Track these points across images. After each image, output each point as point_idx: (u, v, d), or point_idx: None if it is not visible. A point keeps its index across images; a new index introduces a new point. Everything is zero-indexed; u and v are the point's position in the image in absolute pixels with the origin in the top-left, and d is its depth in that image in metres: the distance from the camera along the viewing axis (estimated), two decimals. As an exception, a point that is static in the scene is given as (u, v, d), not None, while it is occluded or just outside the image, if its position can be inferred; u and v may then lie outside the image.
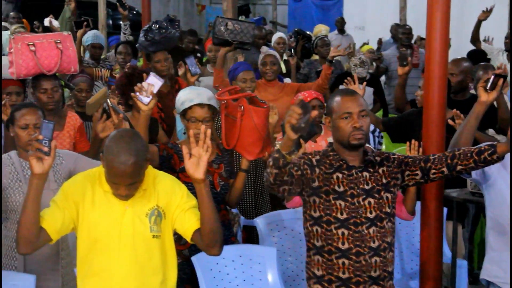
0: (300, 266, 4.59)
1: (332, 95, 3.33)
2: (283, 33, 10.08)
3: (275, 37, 8.98)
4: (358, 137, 3.20)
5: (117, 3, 8.07)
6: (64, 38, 4.97)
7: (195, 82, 5.75)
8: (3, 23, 8.24)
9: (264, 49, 6.15)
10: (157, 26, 6.08)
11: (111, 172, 2.91)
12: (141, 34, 6.16)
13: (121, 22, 7.95)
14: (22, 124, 3.83)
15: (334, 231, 3.20)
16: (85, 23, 7.10)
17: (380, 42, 11.82)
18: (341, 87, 7.41)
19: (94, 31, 8.12)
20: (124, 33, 7.81)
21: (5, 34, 8.41)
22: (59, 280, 3.81)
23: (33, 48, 4.77)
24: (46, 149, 2.84)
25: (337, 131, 3.23)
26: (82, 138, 4.79)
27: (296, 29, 9.20)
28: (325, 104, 5.32)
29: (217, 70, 5.97)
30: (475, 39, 8.91)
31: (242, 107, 3.92)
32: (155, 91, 3.75)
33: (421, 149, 4.13)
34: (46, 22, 8.94)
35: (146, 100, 3.70)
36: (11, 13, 11.15)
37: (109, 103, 3.87)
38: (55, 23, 8.72)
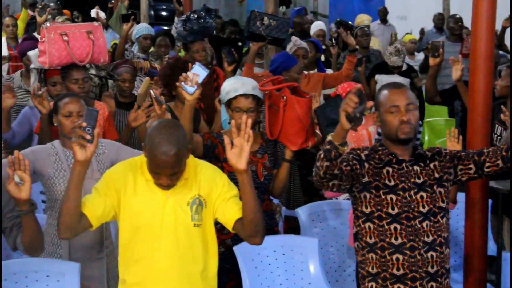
0: (341, 257, 4.58)
1: (379, 89, 3.27)
2: (323, 23, 10.01)
3: (315, 28, 8.90)
4: (406, 131, 3.13)
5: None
6: (95, 28, 4.98)
7: (237, 71, 5.76)
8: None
9: (298, 41, 6.10)
10: (195, 16, 6.10)
11: (153, 162, 2.92)
12: (179, 24, 6.18)
13: (163, 14, 7.98)
14: (65, 112, 3.86)
15: (386, 227, 3.14)
16: (132, 16, 7.15)
17: (422, 32, 11.66)
18: (377, 77, 7.36)
19: (146, 24, 8.17)
20: (176, 28, 7.86)
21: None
22: (103, 268, 3.84)
23: (66, 38, 4.78)
24: (89, 136, 2.85)
25: (385, 125, 3.17)
26: (111, 128, 4.82)
27: (338, 19, 9.12)
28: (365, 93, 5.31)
29: (248, 64, 5.94)
30: (499, 44, 8.79)
31: (285, 97, 3.92)
32: (200, 81, 3.75)
33: (461, 137, 4.08)
34: (93, 13, 9.03)
35: (191, 90, 3.71)
36: (51, 4, 11.26)
37: (152, 94, 3.89)
38: (102, 14, 8.80)
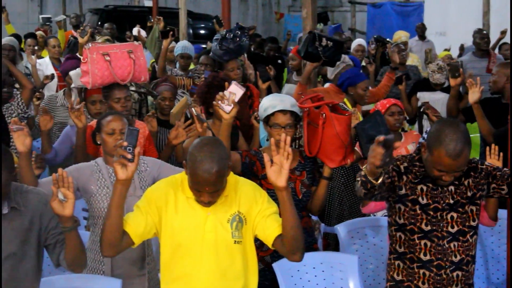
0: (381, 275, 4.54)
1: (439, 134, 3.11)
2: (363, 39, 10.01)
3: (354, 44, 8.92)
4: (443, 184, 3.18)
5: (214, 20, 8.20)
6: (135, 48, 5.05)
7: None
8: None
9: (346, 58, 6.11)
10: (231, 35, 6.15)
11: (194, 179, 2.94)
12: (215, 44, 6.22)
13: (201, 32, 8.05)
14: (108, 130, 3.92)
15: (417, 241, 3.17)
16: (171, 32, 7.23)
17: (462, 48, 11.57)
18: (419, 94, 7.30)
19: (184, 41, 8.25)
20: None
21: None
22: (145, 284, 3.87)
23: (108, 58, 4.85)
24: (129, 156, 2.88)
25: (429, 167, 3.18)
26: (151, 146, 4.86)
27: (375, 36, 9.11)
28: (404, 110, 5.28)
29: (303, 85, 5.94)
30: None
31: (324, 114, 3.92)
32: (236, 99, 3.78)
33: (501, 154, 4.05)
34: (135, 31, 9.14)
35: (227, 108, 3.73)
36: (105, 24, 11.41)
37: (194, 112, 3.92)
38: (143, 33, 8.89)
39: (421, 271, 3.17)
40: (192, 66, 7.85)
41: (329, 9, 22.40)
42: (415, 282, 3.19)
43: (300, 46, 6.13)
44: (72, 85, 5.68)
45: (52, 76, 7.74)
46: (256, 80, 6.09)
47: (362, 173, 3.04)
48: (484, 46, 8.82)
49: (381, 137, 2.90)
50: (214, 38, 6.37)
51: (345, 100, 5.66)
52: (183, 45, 7.92)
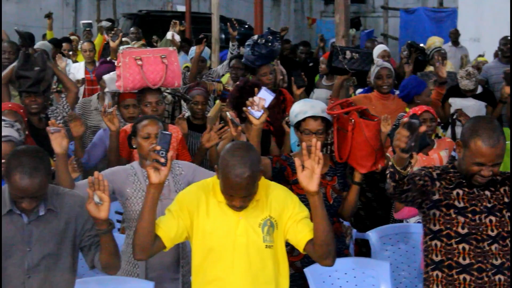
0: (413, 281, 4.53)
1: (473, 127, 3.12)
2: (389, 45, 9.94)
3: (378, 50, 8.82)
4: (481, 182, 3.13)
5: (228, 24, 8.20)
6: (169, 53, 5.07)
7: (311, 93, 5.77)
8: (123, 39, 8.53)
9: (379, 62, 6.10)
10: (263, 40, 6.17)
11: (226, 184, 2.96)
12: (247, 49, 6.25)
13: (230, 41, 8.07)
14: (144, 134, 3.96)
15: (455, 245, 3.13)
16: (205, 39, 7.27)
17: (496, 54, 11.46)
18: (451, 100, 7.25)
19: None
20: (232, 53, 7.93)
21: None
22: None
23: (140, 62, 4.88)
24: (162, 160, 2.91)
25: (465, 165, 3.15)
26: (184, 150, 4.89)
27: (409, 42, 9.05)
28: (437, 116, 5.26)
29: (333, 99, 5.92)
30: None
31: (353, 120, 3.92)
32: (266, 105, 3.80)
33: None
34: (169, 35, 9.21)
35: (257, 114, 3.75)
36: (131, 29, 11.53)
37: (229, 116, 3.95)
38: (177, 37, 8.97)
39: (462, 276, 3.13)
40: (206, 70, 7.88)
41: (362, 14, 22.35)
42: None
43: (327, 61, 6.14)
44: (106, 89, 5.75)
45: (83, 81, 7.83)
46: (290, 86, 6.10)
47: (390, 163, 3.03)
48: (507, 52, 8.74)
49: (405, 119, 2.90)
50: (246, 43, 6.39)
51: (407, 109, 5.64)
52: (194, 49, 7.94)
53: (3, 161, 3.62)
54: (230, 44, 8.02)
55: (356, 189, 3.99)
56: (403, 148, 2.86)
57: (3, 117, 3.91)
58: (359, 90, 7.04)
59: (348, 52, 5.86)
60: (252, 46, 6.18)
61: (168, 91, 5.59)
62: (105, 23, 11.86)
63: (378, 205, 5.43)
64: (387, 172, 3.00)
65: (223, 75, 7.92)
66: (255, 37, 6.41)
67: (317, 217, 2.98)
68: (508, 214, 3.18)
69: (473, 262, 3.12)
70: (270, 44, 6.17)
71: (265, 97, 3.78)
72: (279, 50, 6.42)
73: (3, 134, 3.76)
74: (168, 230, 3.04)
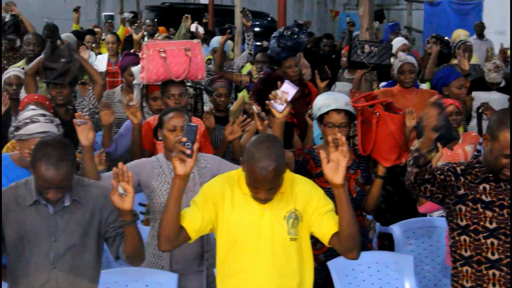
0: (437, 276, 4.51)
1: (501, 119, 3.09)
2: (410, 38, 9.83)
3: (398, 43, 8.71)
4: (508, 175, 3.08)
5: (240, 13, 8.15)
6: (193, 45, 5.07)
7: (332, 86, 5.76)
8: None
9: (402, 56, 6.06)
10: (289, 32, 6.15)
11: (252, 176, 2.96)
12: (273, 41, 6.23)
13: (256, 30, 8.04)
14: (170, 127, 3.96)
15: (483, 241, 3.10)
16: (229, 30, 7.26)
17: (521, 46, 11.34)
18: (474, 93, 7.18)
19: (218, 37, 8.26)
20: (248, 43, 7.90)
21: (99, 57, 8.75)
22: (203, 281, 3.91)
23: (163, 54, 4.89)
24: (188, 151, 2.92)
25: (492, 158, 3.10)
26: (207, 143, 4.89)
27: (433, 34, 8.98)
28: (462, 110, 5.21)
29: (357, 92, 5.90)
30: None
31: (377, 113, 3.90)
32: (289, 98, 3.78)
33: None
34: (193, 27, 9.23)
35: (280, 107, 3.74)
36: (147, 21, 11.60)
37: (255, 109, 3.94)
38: (201, 29, 8.97)
39: (491, 271, 3.10)
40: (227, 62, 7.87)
41: (385, 7, 22.21)
42: (484, 285, 3.11)
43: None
44: (134, 81, 5.78)
45: (106, 73, 7.87)
46: (315, 79, 6.07)
47: (415, 147, 3.01)
48: None
49: (432, 99, 2.88)
50: (272, 35, 6.38)
51: None
52: (217, 40, 7.92)
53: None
54: (246, 34, 7.98)
55: (379, 182, 3.97)
56: (435, 125, 2.83)
57: (43, 112, 3.91)
58: (383, 84, 6.99)
59: (366, 46, 5.82)
60: (277, 38, 6.17)
61: (189, 84, 5.60)
62: (127, 15, 11.92)
63: (399, 199, 5.40)
64: (410, 158, 2.98)
65: (243, 66, 7.91)
66: (281, 29, 6.39)
67: (342, 210, 2.98)
68: None
69: (502, 257, 3.09)
70: (296, 36, 6.15)
71: (288, 90, 3.77)
72: (305, 42, 6.39)
73: (43, 129, 3.78)
74: (193, 221, 3.04)
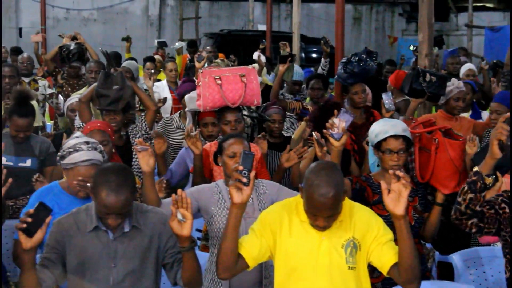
0: (499, 307, 4.40)
1: None
2: (473, 64, 9.71)
3: (464, 69, 8.64)
4: None
5: (321, 41, 8.22)
6: (248, 71, 5.10)
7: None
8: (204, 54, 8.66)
9: (458, 83, 5.99)
10: (357, 59, 6.15)
11: (310, 203, 2.95)
12: (340, 67, 6.24)
13: (313, 56, 8.08)
14: (229, 153, 3.98)
15: None
16: (290, 58, 7.32)
17: None
18: None
19: (296, 67, 8.32)
20: (323, 69, 7.94)
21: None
22: None
23: (219, 81, 4.93)
24: (245, 180, 2.93)
25: None
26: (263, 169, 4.89)
27: (494, 61, 8.87)
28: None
29: (407, 121, 5.85)
30: None
31: (436, 140, 3.86)
32: (346, 127, 3.78)
33: None
34: (255, 56, 9.31)
35: (337, 136, 3.74)
36: (207, 48, 11.74)
37: (314, 136, 3.94)
38: (263, 58, 9.04)
39: None
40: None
41: (445, 32, 21.99)
42: None
43: (403, 82, 6.05)
44: (186, 109, 5.85)
45: (165, 100, 7.99)
46: (379, 105, 6.03)
47: (474, 169, 2.94)
48: None
49: (507, 114, 2.81)
50: (340, 61, 6.39)
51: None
52: (295, 71, 7.96)
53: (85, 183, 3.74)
54: (322, 60, 8.03)
55: (438, 210, 3.92)
56: (503, 140, 2.77)
57: (87, 139, 3.98)
58: None
59: (428, 75, 5.78)
60: (345, 63, 6.18)
61: (244, 113, 5.63)
62: (178, 45, 12.09)
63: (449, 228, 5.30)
64: (465, 185, 2.92)
65: None
66: (350, 55, 6.40)
67: (403, 241, 2.95)
68: None
69: None
70: (363, 63, 6.14)
71: (345, 118, 3.77)
72: (373, 70, 6.36)
73: (86, 157, 3.83)
74: (251, 249, 3.05)
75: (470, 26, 19.10)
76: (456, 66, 9.36)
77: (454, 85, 5.96)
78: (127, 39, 11.88)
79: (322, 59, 8.06)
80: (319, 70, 8.23)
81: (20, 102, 5.14)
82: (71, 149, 3.86)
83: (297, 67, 8.14)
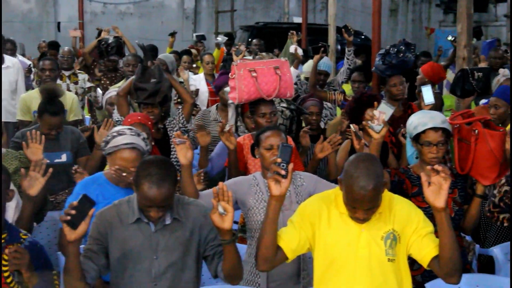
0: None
1: None
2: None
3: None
4: None
5: (343, 29, 8.15)
6: (282, 64, 5.11)
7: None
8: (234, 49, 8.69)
9: (501, 71, 5.92)
10: (395, 50, 6.12)
11: (350, 196, 2.95)
12: (378, 58, 6.22)
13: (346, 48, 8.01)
14: (267, 145, 4.00)
15: None
16: (322, 48, 7.28)
17: None
18: None
19: (325, 59, 8.28)
20: (348, 58, 7.89)
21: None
22: None
23: (254, 74, 4.93)
24: (283, 172, 2.94)
25: None
26: (297, 160, 4.89)
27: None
28: None
29: (452, 110, 5.80)
30: None
31: (476, 131, 3.83)
32: (386, 119, 3.76)
33: None
34: (292, 49, 9.33)
35: (377, 128, 3.73)
36: (254, 41, 11.69)
37: (352, 128, 3.95)
38: (300, 51, 9.05)
39: None
40: (328, 80, 7.84)
41: (483, 23, 21.70)
42: None
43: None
44: (229, 101, 5.88)
45: (196, 92, 8.02)
46: (416, 98, 6.00)
47: None
48: None
49: None
50: (378, 53, 6.36)
51: None
52: (323, 62, 7.92)
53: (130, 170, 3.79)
54: (346, 49, 7.96)
55: (478, 202, 3.88)
56: None
57: (129, 126, 4.07)
58: (483, 101, 6.85)
59: (475, 73, 5.73)
60: (383, 55, 6.16)
61: (284, 105, 5.64)
62: (221, 39, 12.11)
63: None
64: (502, 178, 2.89)
65: (343, 82, 7.90)
66: (388, 46, 6.37)
67: (444, 234, 2.94)
68: None
69: None
70: (401, 54, 6.11)
71: (385, 110, 3.76)
72: (411, 62, 6.32)
73: (129, 141, 3.91)
74: (290, 241, 3.06)
75: (510, 17, 18.82)
76: (499, 61, 9.20)
77: (501, 74, 5.88)
78: (173, 34, 11.95)
79: (346, 49, 7.97)
80: (345, 61, 8.17)
81: (49, 100, 5.20)
82: (114, 133, 3.97)
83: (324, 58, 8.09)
